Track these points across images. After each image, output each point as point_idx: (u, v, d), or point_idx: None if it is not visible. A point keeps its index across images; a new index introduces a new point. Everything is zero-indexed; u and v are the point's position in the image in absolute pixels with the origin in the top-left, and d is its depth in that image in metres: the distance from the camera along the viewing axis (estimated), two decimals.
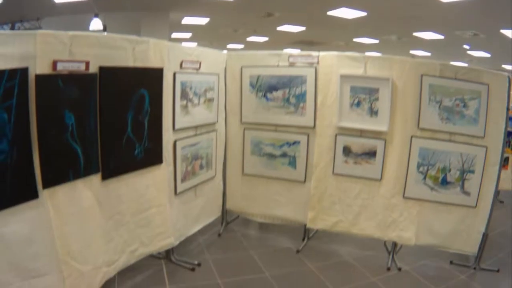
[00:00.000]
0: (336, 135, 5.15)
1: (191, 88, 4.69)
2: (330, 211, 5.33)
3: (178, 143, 4.57)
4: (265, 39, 16.48)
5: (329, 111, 5.14)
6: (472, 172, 4.81)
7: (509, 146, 7.05)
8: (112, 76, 3.56)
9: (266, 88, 5.38)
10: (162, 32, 11.23)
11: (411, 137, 4.89)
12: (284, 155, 5.50)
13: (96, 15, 9.74)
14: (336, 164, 5.22)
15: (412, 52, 17.21)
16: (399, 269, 4.98)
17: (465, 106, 4.73)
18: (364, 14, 11.00)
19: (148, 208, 4.23)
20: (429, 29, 12.55)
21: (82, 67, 3.26)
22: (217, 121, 5.37)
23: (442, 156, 4.85)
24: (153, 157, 4.24)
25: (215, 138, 5.36)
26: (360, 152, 5.10)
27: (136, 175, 4.05)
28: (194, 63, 4.70)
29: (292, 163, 5.48)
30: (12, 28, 11.96)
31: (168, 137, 4.41)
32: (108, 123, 3.59)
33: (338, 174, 5.24)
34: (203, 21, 12.81)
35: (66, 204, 3.29)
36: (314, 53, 5.16)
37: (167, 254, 4.86)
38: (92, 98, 3.41)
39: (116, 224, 3.87)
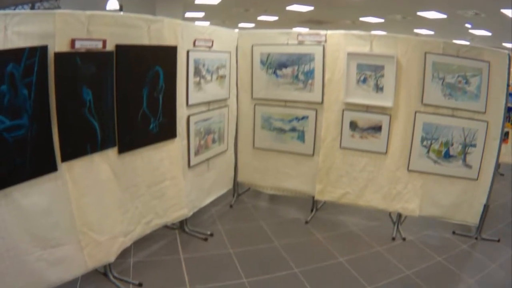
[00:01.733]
0: (343, 110, 5.11)
1: (203, 66, 4.65)
2: (337, 184, 5.32)
3: (191, 118, 4.55)
4: (275, 18, 16.32)
5: (336, 87, 5.09)
6: (474, 146, 4.77)
7: (509, 121, 6.98)
8: (128, 54, 3.53)
9: (276, 65, 5.33)
10: (176, 12, 11.10)
11: (415, 112, 4.85)
12: (293, 129, 5.46)
13: None
14: (343, 138, 5.18)
15: (416, 30, 17.01)
16: (404, 239, 4.98)
17: (467, 82, 4.68)
18: None
19: (162, 181, 4.23)
20: (432, 8, 12.36)
21: (99, 45, 3.22)
22: (229, 97, 5.34)
23: (445, 131, 4.81)
24: (167, 132, 4.22)
25: (227, 113, 5.33)
26: (366, 127, 5.06)
27: (151, 148, 4.03)
28: (206, 42, 4.66)
29: (301, 137, 5.45)
30: (32, 7, 11.94)
31: (182, 112, 4.39)
32: (124, 98, 3.56)
33: (345, 148, 5.21)
34: (215, 0, 12.68)
35: (83, 176, 3.29)
36: (322, 32, 5.09)
37: (181, 225, 4.88)
38: (109, 75, 3.38)
39: (131, 196, 3.87)
